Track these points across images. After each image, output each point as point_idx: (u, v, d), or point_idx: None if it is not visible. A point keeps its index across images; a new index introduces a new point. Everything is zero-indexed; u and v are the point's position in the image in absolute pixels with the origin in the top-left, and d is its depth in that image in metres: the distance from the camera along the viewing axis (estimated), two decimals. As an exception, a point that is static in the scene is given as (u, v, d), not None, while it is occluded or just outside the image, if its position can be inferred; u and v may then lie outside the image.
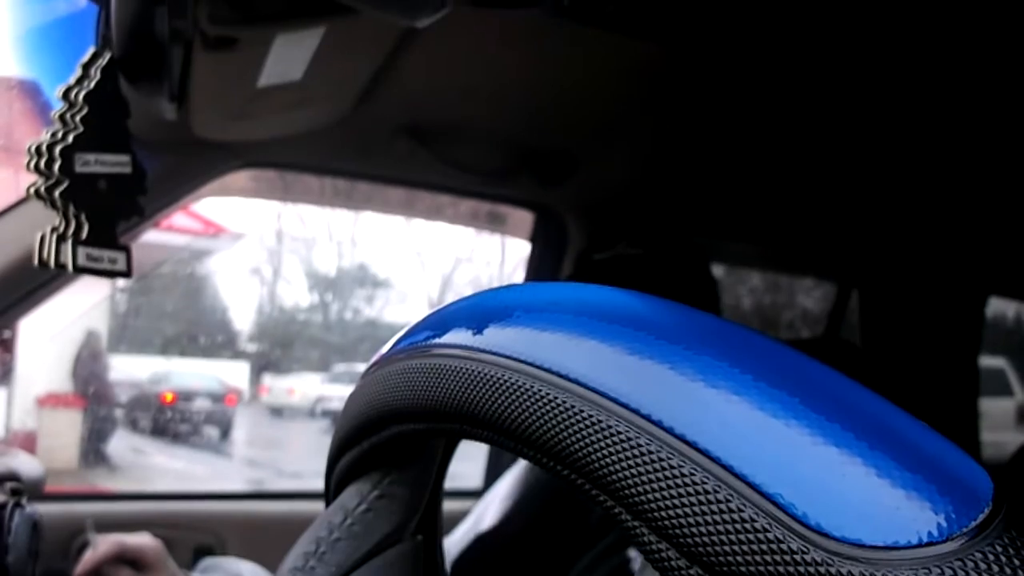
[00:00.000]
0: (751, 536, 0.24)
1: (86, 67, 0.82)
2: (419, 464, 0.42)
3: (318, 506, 0.44)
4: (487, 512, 1.39)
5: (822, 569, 0.23)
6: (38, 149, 0.79)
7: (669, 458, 0.25)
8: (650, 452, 0.26)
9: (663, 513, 0.25)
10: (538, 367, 0.30)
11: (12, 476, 0.92)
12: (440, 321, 0.36)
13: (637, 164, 1.61)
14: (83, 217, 0.80)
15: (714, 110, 1.41)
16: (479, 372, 0.31)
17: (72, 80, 0.82)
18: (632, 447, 0.26)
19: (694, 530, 0.25)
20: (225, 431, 6.51)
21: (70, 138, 0.79)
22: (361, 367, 0.43)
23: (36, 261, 0.82)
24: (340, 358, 8.29)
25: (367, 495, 0.41)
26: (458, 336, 0.33)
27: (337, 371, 7.95)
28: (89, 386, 4.77)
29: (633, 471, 0.26)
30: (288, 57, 1.09)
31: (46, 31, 1.14)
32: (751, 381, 0.26)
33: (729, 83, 1.31)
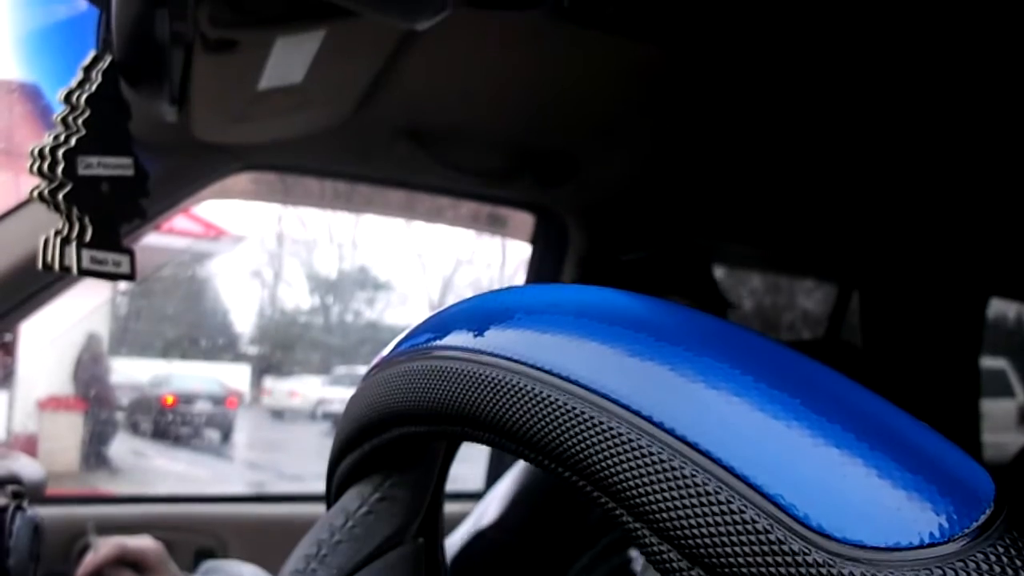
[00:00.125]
0: (752, 537, 0.24)
1: (87, 70, 0.82)
2: (420, 467, 0.42)
3: (319, 509, 0.44)
4: (487, 512, 1.39)
5: (823, 570, 0.23)
6: (40, 152, 0.79)
7: (670, 459, 0.25)
8: (651, 454, 0.26)
9: (664, 515, 0.25)
10: (539, 369, 0.30)
11: (13, 479, 0.92)
12: (441, 323, 0.36)
13: (637, 166, 1.62)
14: (86, 220, 0.80)
15: (714, 111, 1.41)
16: (480, 374, 0.31)
17: (73, 83, 0.82)
18: (633, 449, 0.26)
19: (695, 531, 0.25)
20: (226, 434, 6.50)
21: (72, 141, 0.79)
22: (362, 369, 0.43)
23: (40, 264, 0.82)
24: (341, 360, 8.28)
25: (368, 497, 0.41)
26: (459, 338, 0.34)
27: (338, 373, 7.94)
28: (90, 389, 4.77)
29: (634, 473, 0.26)
30: (288, 60, 1.09)
31: (47, 34, 1.14)
32: (752, 382, 0.26)
33: (729, 85, 1.31)
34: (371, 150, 1.47)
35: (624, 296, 0.32)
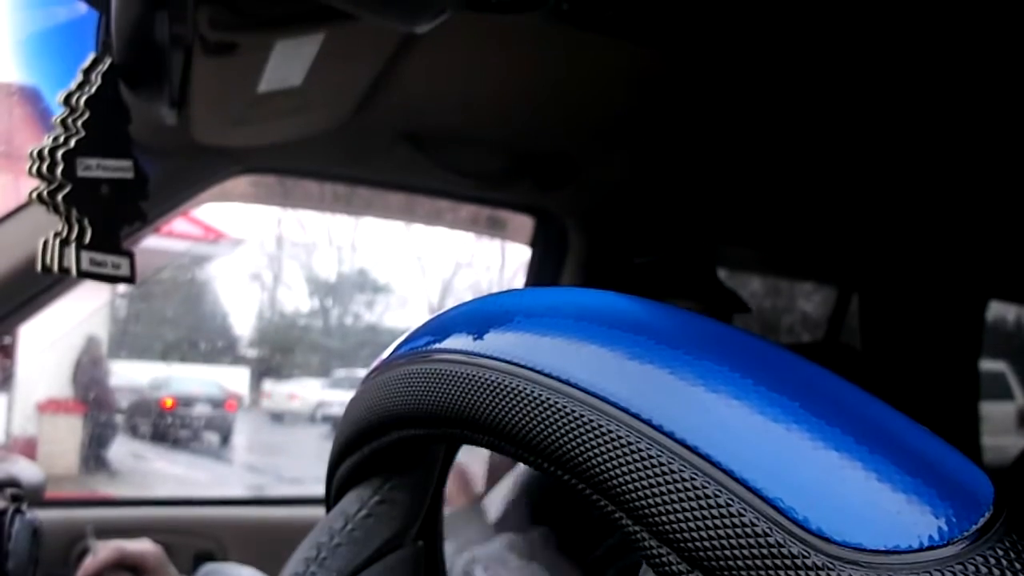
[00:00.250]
0: (751, 540, 0.24)
1: (87, 72, 0.82)
2: (420, 469, 0.42)
3: (319, 512, 0.44)
4: (486, 514, 1.39)
5: (823, 573, 0.23)
6: (40, 153, 0.79)
7: (669, 463, 0.25)
8: (650, 457, 0.26)
9: (663, 518, 0.25)
10: (539, 372, 0.30)
11: (12, 482, 0.92)
12: (440, 326, 0.36)
13: (637, 169, 1.62)
14: (86, 221, 0.80)
15: (713, 115, 1.41)
16: (480, 377, 0.31)
17: (73, 85, 0.82)
18: (632, 451, 0.26)
19: (694, 535, 0.25)
20: (225, 437, 6.51)
21: (72, 142, 0.79)
22: (362, 372, 0.43)
23: (39, 266, 0.82)
24: (340, 363, 8.29)
25: (368, 500, 0.41)
26: (459, 341, 0.34)
27: (337, 376, 7.95)
28: (89, 392, 4.77)
29: (633, 476, 0.26)
30: (288, 63, 1.09)
31: (47, 37, 1.14)
32: (751, 385, 0.26)
33: (728, 88, 1.31)
34: (371, 153, 1.47)
35: (623, 299, 0.32)
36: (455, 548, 1.11)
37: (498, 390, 0.30)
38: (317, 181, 1.67)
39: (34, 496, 0.94)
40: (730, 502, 0.24)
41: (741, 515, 0.24)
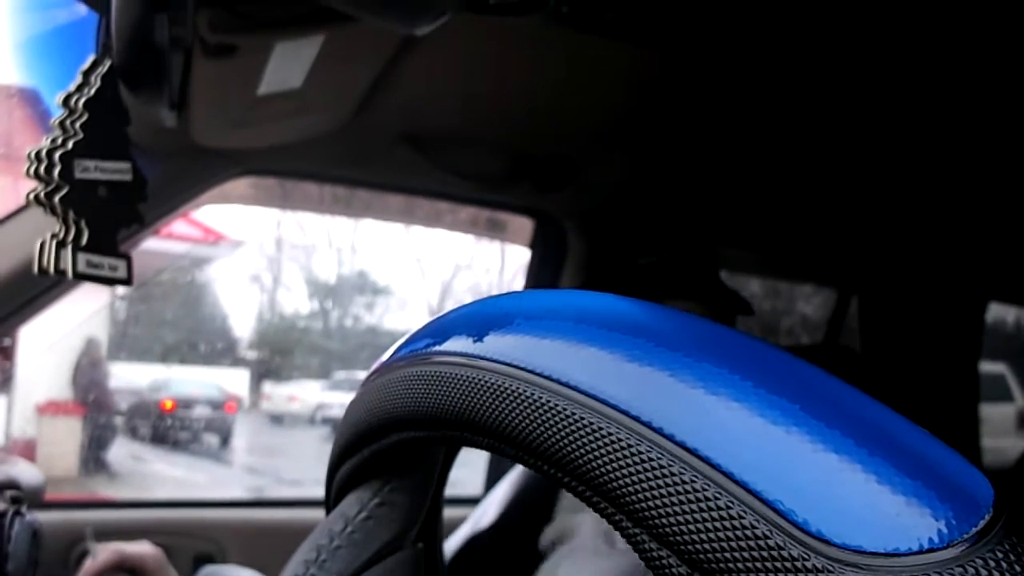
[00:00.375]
0: (751, 543, 0.24)
1: (86, 74, 0.82)
2: (420, 472, 0.42)
3: (319, 514, 0.44)
4: (484, 516, 1.39)
5: (823, 576, 0.23)
6: (38, 155, 0.79)
7: (669, 465, 0.25)
8: (650, 459, 0.26)
9: (663, 520, 0.25)
10: (538, 374, 0.30)
11: (12, 484, 0.92)
12: (440, 328, 0.36)
13: (636, 170, 1.62)
14: (83, 223, 0.80)
15: (713, 117, 1.41)
16: (479, 379, 0.31)
17: (72, 87, 0.82)
18: (632, 454, 0.26)
19: (694, 537, 0.25)
20: (225, 438, 6.50)
21: (70, 144, 0.79)
22: (361, 374, 0.43)
23: (36, 268, 0.82)
24: (340, 365, 8.28)
25: (368, 503, 0.41)
26: (458, 343, 0.34)
27: (337, 378, 7.94)
28: (89, 394, 4.77)
29: (633, 478, 0.26)
30: (288, 65, 1.09)
31: (46, 39, 1.14)
32: (751, 388, 0.26)
33: (727, 90, 1.31)
34: (370, 155, 1.47)
35: (623, 301, 0.32)
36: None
37: (498, 393, 0.30)
38: (317, 183, 1.67)
39: (33, 498, 0.94)
40: (730, 504, 0.24)
41: (741, 517, 0.24)
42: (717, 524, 0.24)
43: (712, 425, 0.26)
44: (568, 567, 1.11)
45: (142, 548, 1.06)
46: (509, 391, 0.30)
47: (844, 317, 2.15)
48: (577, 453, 0.28)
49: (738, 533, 0.24)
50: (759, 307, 3.03)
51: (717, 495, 0.24)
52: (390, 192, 1.71)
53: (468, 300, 0.37)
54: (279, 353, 8.29)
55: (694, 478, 0.25)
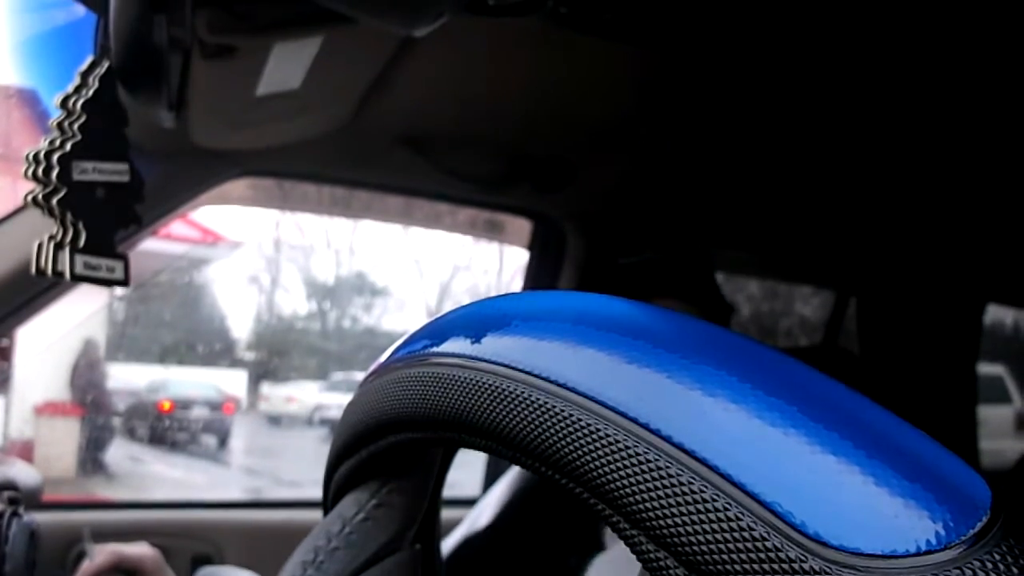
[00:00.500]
0: (749, 545, 0.24)
1: (84, 75, 0.82)
2: (417, 473, 0.42)
3: (316, 515, 0.44)
4: (481, 517, 1.39)
5: (820, 578, 0.23)
6: (36, 157, 0.79)
7: (667, 467, 0.25)
8: (648, 461, 0.26)
9: (661, 522, 0.25)
10: (536, 376, 0.30)
11: (9, 485, 0.92)
12: (438, 330, 0.36)
13: (635, 172, 1.62)
14: (81, 225, 0.80)
15: (711, 118, 1.42)
16: (477, 381, 0.31)
17: (70, 88, 0.82)
18: (630, 456, 0.26)
19: (692, 539, 0.25)
20: (223, 439, 6.50)
21: (68, 146, 0.79)
22: (359, 375, 0.43)
23: (34, 269, 0.82)
24: (338, 366, 8.29)
25: (365, 504, 0.41)
26: (456, 345, 0.34)
27: (335, 379, 7.94)
28: (87, 395, 4.77)
29: (631, 480, 0.26)
30: (286, 66, 1.09)
31: (44, 40, 1.14)
32: (749, 389, 0.26)
33: (726, 91, 1.31)
34: (369, 156, 1.47)
35: (621, 303, 0.32)
36: None
37: (495, 394, 0.30)
38: (315, 184, 1.67)
39: (31, 499, 0.94)
40: (727, 506, 0.24)
41: (738, 519, 0.24)
42: (714, 526, 0.24)
43: (710, 427, 0.26)
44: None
45: (140, 549, 1.06)
46: (506, 392, 0.30)
47: (842, 319, 2.16)
48: (574, 455, 0.28)
49: (735, 535, 0.24)
50: (758, 308, 3.04)
51: (715, 497, 0.24)
52: (389, 193, 1.71)
53: (466, 301, 0.37)
54: (277, 354, 8.29)
55: (691, 480, 0.25)
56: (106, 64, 0.82)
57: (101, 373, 5.10)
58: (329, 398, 7.49)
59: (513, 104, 1.36)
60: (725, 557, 0.24)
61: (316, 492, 0.45)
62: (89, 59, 0.83)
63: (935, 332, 2.05)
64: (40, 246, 0.81)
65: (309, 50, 1.07)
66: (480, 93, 1.32)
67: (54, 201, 0.79)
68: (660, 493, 0.25)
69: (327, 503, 0.44)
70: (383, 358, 0.38)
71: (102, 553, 1.05)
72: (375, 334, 8.57)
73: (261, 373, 7.72)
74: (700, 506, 0.25)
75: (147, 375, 6.22)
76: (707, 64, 1.23)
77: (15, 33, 1.18)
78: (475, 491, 1.86)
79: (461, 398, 0.32)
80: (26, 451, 4.07)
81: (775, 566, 0.23)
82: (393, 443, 0.37)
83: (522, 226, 1.84)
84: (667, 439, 0.26)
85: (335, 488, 0.43)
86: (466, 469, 1.82)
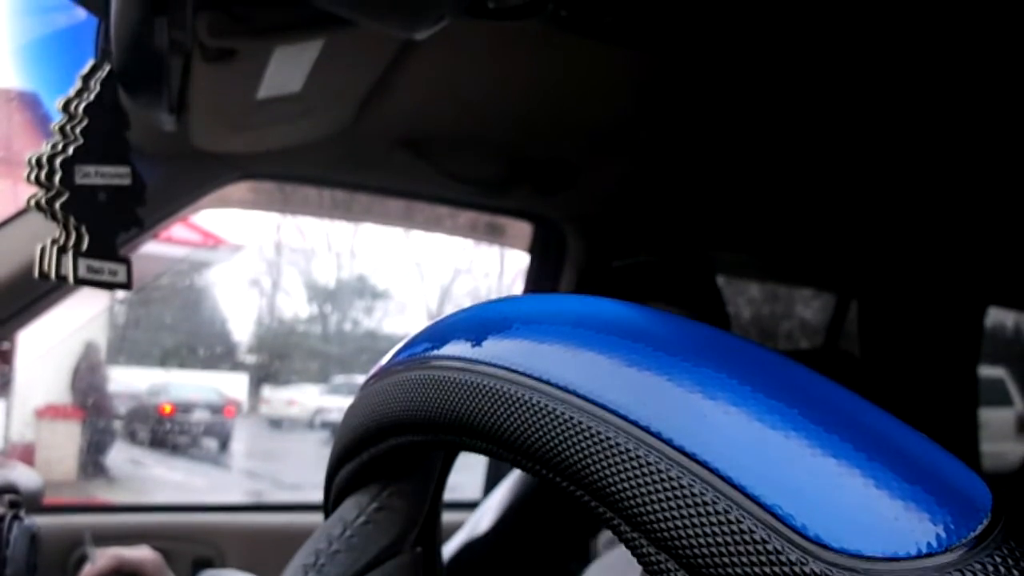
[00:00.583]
0: (750, 547, 0.24)
1: (85, 79, 0.82)
2: (418, 476, 0.42)
3: (317, 518, 0.44)
4: (481, 521, 1.39)
5: (821, 580, 0.23)
6: (38, 161, 0.79)
7: (668, 470, 0.25)
8: (648, 464, 0.26)
9: (661, 525, 0.25)
10: (537, 379, 0.30)
11: (10, 488, 0.92)
12: (439, 333, 0.36)
13: (635, 174, 1.62)
14: (83, 229, 0.80)
15: (712, 120, 1.42)
16: (478, 384, 0.31)
17: (72, 92, 0.82)
18: (630, 459, 0.26)
19: (692, 542, 0.24)
20: (224, 443, 6.50)
21: (70, 150, 0.79)
22: (360, 378, 0.43)
23: (36, 273, 0.82)
24: (339, 369, 8.29)
25: (366, 507, 0.41)
26: (457, 348, 0.34)
27: (336, 382, 7.95)
28: (88, 398, 4.77)
29: (631, 483, 0.26)
30: (287, 69, 1.10)
31: (46, 43, 1.14)
32: (750, 392, 0.26)
33: (726, 94, 1.31)
34: (369, 159, 1.48)
35: (622, 306, 0.32)
36: None
37: (496, 397, 0.30)
38: (316, 187, 1.67)
39: (32, 502, 0.94)
40: (728, 509, 0.24)
41: (739, 522, 0.24)
42: (715, 528, 0.24)
43: (710, 429, 0.26)
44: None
45: (141, 552, 1.06)
46: (507, 395, 0.30)
47: (843, 321, 2.16)
48: (575, 457, 0.28)
49: (736, 538, 0.24)
50: (758, 311, 3.04)
51: (715, 499, 0.24)
52: (389, 196, 1.71)
53: (467, 304, 0.37)
54: (278, 357, 8.30)
55: (692, 482, 0.25)
56: (107, 67, 0.82)
57: (102, 376, 5.10)
58: (330, 401, 7.50)
59: (513, 107, 1.36)
60: (726, 560, 0.24)
61: (317, 495, 0.45)
62: (90, 62, 0.83)
63: (936, 335, 2.05)
64: (43, 250, 0.81)
65: (310, 53, 1.07)
66: (480, 96, 1.32)
67: (57, 205, 0.79)
68: (661, 496, 0.25)
69: (328, 506, 0.44)
70: (384, 361, 0.38)
71: (103, 557, 1.05)
72: (376, 337, 8.58)
73: (262, 376, 7.72)
74: (701, 509, 0.25)
75: (148, 378, 6.23)
76: (707, 67, 1.23)
77: (16, 36, 1.19)
78: (476, 494, 1.86)
79: (462, 401, 0.32)
80: (27, 454, 4.07)
81: (776, 569, 0.23)
82: (394, 446, 0.37)
83: (523, 229, 1.84)
84: (668, 442, 0.26)
85: (336, 491, 0.43)
86: (467, 472, 1.82)
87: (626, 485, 0.26)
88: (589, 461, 0.27)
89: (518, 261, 1.93)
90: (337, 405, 7.12)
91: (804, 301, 3.03)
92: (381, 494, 0.41)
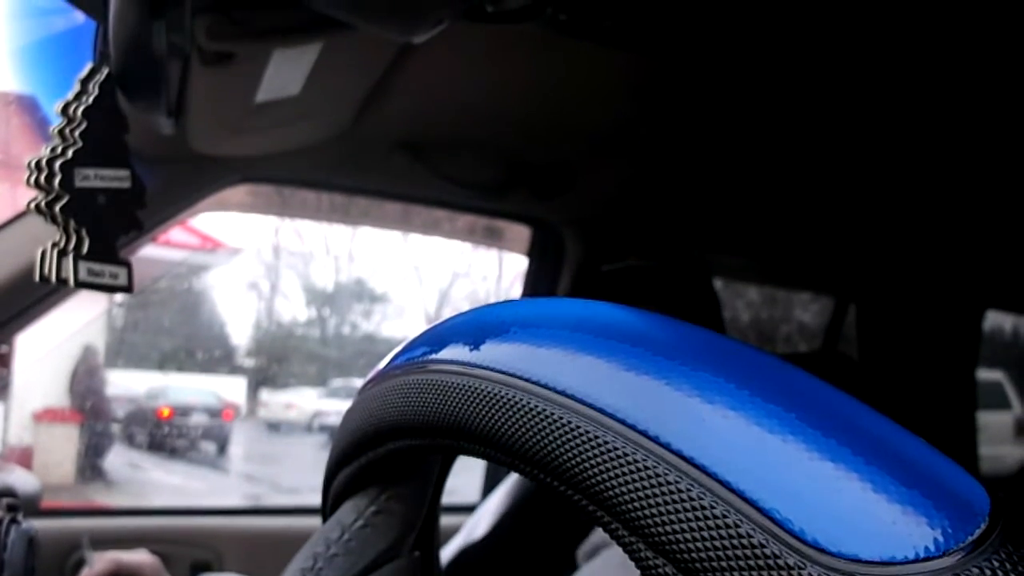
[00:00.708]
0: (748, 551, 0.24)
1: (84, 82, 0.82)
2: (416, 480, 0.42)
3: (315, 522, 0.44)
4: (479, 525, 1.39)
5: (819, 584, 0.23)
6: (38, 164, 0.79)
7: (666, 474, 0.25)
8: (646, 467, 0.26)
9: (659, 528, 0.25)
10: (534, 383, 0.30)
11: (8, 492, 0.92)
12: (437, 337, 0.36)
13: (633, 177, 1.62)
14: (84, 232, 0.80)
15: (710, 124, 1.42)
16: (475, 388, 0.31)
17: (70, 95, 0.82)
18: (628, 463, 0.26)
19: (691, 545, 0.24)
20: (222, 446, 6.49)
21: (70, 153, 0.79)
22: (358, 382, 0.43)
23: (37, 276, 0.82)
24: (337, 373, 8.27)
25: (364, 511, 0.41)
26: (455, 352, 0.34)
27: (334, 386, 7.93)
28: (86, 401, 4.76)
29: (629, 487, 0.26)
30: (286, 72, 1.10)
31: (44, 46, 1.14)
32: (748, 396, 0.26)
33: (725, 97, 1.32)
34: (368, 162, 1.47)
35: (620, 310, 0.32)
36: None
37: (494, 401, 0.30)
38: (314, 191, 1.67)
39: (30, 506, 0.94)
40: (726, 513, 0.24)
41: (737, 526, 0.24)
42: (713, 532, 0.24)
43: (708, 433, 0.26)
44: None
45: (139, 556, 1.06)
46: (505, 399, 0.30)
47: (841, 325, 2.16)
48: (572, 461, 0.28)
49: (734, 541, 0.24)
50: (757, 315, 3.04)
51: (713, 503, 0.24)
52: (388, 200, 1.71)
53: (465, 308, 0.37)
54: (276, 361, 8.28)
55: (690, 486, 0.25)
56: (106, 71, 0.82)
57: (100, 379, 5.09)
58: (328, 404, 7.48)
59: (512, 110, 1.36)
60: (724, 564, 0.24)
61: (315, 499, 0.45)
62: (89, 66, 0.83)
63: (934, 338, 2.05)
64: (43, 253, 0.81)
65: (308, 57, 1.07)
66: (479, 99, 1.32)
67: (57, 208, 0.79)
68: (658, 500, 0.25)
69: (326, 509, 0.44)
70: (382, 365, 0.38)
71: (101, 560, 1.05)
72: (374, 340, 8.57)
73: (260, 379, 7.71)
74: (698, 512, 0.25)
75: (146, 381, 6.21)
76: (706, 70, 1.23)
77: (15, 40, 1.19)
78: (474, 498, 1.86)
79: (460, 405, 0.32)
80: (25, 458, 4.06)
81: (774, 573, 0.23)
82: (392, 450, 0.37)
83: (521, 232, 1.84)
84: (665, 446, 0.26)
85: (334, 494, 0.43)
86: (465, 475, 1.82)
87: (624, 489, 0.26)
88: (587, 465, 0.27)
89: (516, 265, 1.93)
90: (335, 409, 7.11)
91: (803, 305, 3.03)
92: (379, 498, 0.41)
